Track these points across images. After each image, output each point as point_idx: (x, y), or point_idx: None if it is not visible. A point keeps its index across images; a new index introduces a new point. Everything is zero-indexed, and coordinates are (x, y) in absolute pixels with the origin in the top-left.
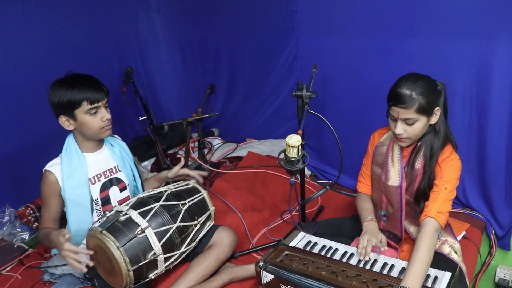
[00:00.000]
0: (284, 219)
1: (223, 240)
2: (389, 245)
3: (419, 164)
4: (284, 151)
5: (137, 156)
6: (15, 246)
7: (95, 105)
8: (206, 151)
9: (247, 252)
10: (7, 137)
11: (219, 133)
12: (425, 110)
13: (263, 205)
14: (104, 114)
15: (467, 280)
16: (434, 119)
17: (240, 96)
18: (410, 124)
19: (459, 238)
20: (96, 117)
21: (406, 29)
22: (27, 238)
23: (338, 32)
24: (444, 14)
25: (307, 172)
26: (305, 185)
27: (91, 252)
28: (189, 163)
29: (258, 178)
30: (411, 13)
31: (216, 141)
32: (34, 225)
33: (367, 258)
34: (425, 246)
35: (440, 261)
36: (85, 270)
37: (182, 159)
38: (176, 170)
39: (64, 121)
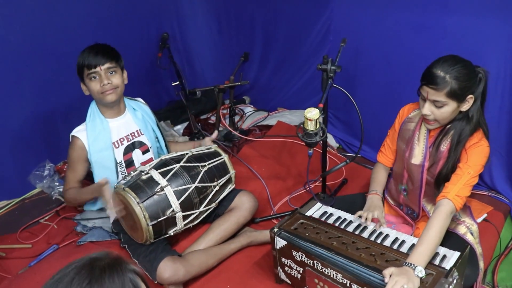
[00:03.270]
0: (307, 189)
1: (243, 204)
2: (404, 221)
3: (444, 146)
4: (303, 123)
5: (170, 120)
6: (53, 198)
7: (93, 70)
8: (237, 118)
9: (267, 219)
10: (50, 98)
11: (251, 101)
12: (456, 96)
13: (288, 174)
14: (103, 79)
15: (480, 262)
16: (465, 106)
17: (273, 66)
18: (438, 107)
19: (479, 220)
20: (96, 82)
21: (441, 5)
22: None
23: (373, 5)
24: None
25: (334, 144)
26: (332, 157)
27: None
28: (220, 129)
29: (285, 148)
30: None
31: (248, 109)
32: None
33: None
34: (437, 227)
35: (453, 241)
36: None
37: (215, 132)
38: (214, 137)
39: (83, 87)
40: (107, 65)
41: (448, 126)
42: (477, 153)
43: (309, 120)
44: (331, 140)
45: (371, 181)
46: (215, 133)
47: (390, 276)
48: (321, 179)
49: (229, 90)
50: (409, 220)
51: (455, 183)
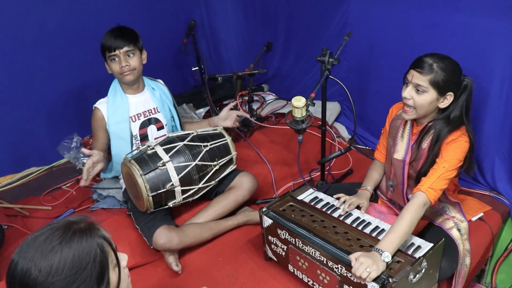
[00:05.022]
0: (312, 176)
1: (243, 184)
2: (395, 213)
3: (425, 144)
4: (291, 111)
5: (193, 103)
6: (77, 168)
7: (113, 53)
8: (257, 105)
9: (267, 201)
10: (81, 76)
11: (273, 89)
12: (438, 86)
13: (294, 161)
14: (122, 61)
15: (467, 258)
16: (444, 103)
17: (294, 56)
18: (419, 92)
19: (474, 218)
20: (116, 63)
21: (451, 3)
22: None
23: (386, 1)
24: None
25: (346, 136)
26: (341, 148)
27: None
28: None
29: (295, 135)
30: None
31: (270, 97)
32: None
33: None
34: (408, 217)
35: (437, 234)
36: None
37: (231, 104)
38: (224, 112)
39: (106, 66)
40: (125, 49)
41: (429, 124)
42: (453, 148)
43: (296, 107)
44: (343, 132)
45: (365, 177)
46: (230, 105)
47: (356, 259)
48: (328, 168)
49: (249, 78)
50: (398, 212)
51: (430, 176)
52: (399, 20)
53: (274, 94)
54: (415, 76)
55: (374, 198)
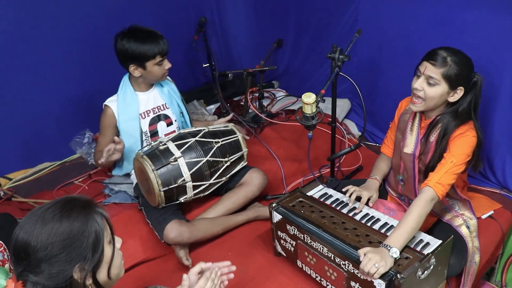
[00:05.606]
0: (322, 173)
1: (253, 180)
2: (405, 209)
3: (433, 138)
4: (301, 107)
5: (204, 99)
6: (89, 163)
7: (163, 57)
8: (268, 101)
9: (277, 196)
10: (93, 75)
11: (283, 86)
12: (450, 79)
13: (305, 157)
14: (166, 64)
15: (476, 256)
16: (453, 97)
17: (304, 53)
18: (430, 85)
19: (485, 216)
20: (161, 66)
21: None
22: None
23: None
24: None
25: (356, 133)
26: (351, 144)
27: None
28: (250, 111)
29: (306, 132)
30: None
31: (280, 94)
32: None
33: (351, 206)
34: (415, 212)
35: (444, 230)
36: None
37: (230, 115)
38: (221, 121)
39: (133, 69)
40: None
41: (437, 118)
42: (461, 143)
43: (306, 104)
44: (353, 129)
45: (373, 169)
46: (229, 116)
47: (365, 255)
48: (338, 165)
49: (259, 74)
50: (407, 208)
51: (437, 171)
52: (409, 16)
53: (284, 91)
54: (428, 68)
55: (383, 194)
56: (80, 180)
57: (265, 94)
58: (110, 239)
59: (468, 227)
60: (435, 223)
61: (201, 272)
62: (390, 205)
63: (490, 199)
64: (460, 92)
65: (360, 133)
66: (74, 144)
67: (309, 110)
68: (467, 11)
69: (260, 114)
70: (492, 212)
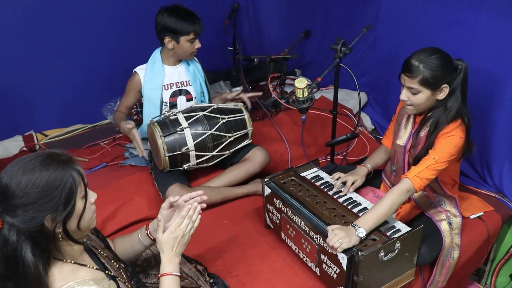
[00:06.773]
0: (327, 158)
1: (256, 158)
2: None
3: (423, 133)
4: (294, 92)
5: (230, 80)
6: (116, 129)
7: (197, 36)
8: (291, 88)
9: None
10: (128, 51)
11: (307, 75)
12: (429, 84)
13: (313, 143)
14: (197, 44)
15: (455, 252)
16: (441, 95)
17: (329, 45)
18: (413, 94)
19: (473, 216)
20: (192, 44)
21: (476, 2)
22: None
23: None
24: None
25: (369, 126)
26: (362, 138)
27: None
28: (272, 96)
29: (318, 120)
30: None
31: None
32: (135, 117)
33: (335, 189)
34: (389, 200)
35: (424, 223)
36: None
37: (241, 90)
38: (234, 94)
39: (168, 41)
40: None
41: (429, 114)
42: (446, 142)
43: (298, 88)
44: (367, 122)
45: (368, 158)
46: (236, 92)
47: (333, 230)
48: (344, 154)
49: (283, 61)
50: None
51: (419, 165)
52: (425, 17)
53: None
54: (406, 80)
55: (377, 183)
56: (105, 142)
57: (287, 81)
58: (83, 194)
59: (450, 223)
60: (418, 216)
61: (173, 206)
62: (381, 194)
63: (483, 201)
64: (446, 89)
65: (373, 127)
66: (106, 110)
67: (300, 94)
68: (480, 15)
69: (279, 100)
70: (481, 213)
